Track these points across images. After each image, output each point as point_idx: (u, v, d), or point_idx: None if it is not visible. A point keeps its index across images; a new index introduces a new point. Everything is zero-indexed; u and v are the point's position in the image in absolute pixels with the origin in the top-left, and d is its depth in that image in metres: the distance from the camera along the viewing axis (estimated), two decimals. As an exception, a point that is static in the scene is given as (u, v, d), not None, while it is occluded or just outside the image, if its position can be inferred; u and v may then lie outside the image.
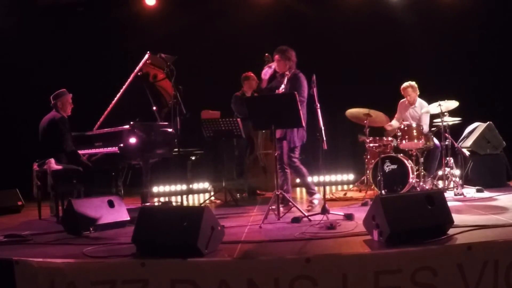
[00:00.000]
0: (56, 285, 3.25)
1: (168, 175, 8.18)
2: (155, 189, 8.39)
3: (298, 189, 8.39)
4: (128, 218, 4.76)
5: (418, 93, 6.96)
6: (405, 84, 6.96)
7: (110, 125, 6.03)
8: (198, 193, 8.44)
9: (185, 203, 6.37)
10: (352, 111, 6.58)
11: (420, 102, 6.93)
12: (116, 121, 5.96)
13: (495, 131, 6.91)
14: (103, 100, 6.37)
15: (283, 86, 5.39)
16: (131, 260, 3.32)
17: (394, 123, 7.03)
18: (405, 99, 7.08)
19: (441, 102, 6.17)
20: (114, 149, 5.82)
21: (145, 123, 6.04)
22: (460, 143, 7.13)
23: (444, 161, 6.32)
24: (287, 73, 5.44)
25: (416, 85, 6.92)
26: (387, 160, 6.32)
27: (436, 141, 6.60)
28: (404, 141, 6.23)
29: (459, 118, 6.54)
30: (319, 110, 4.86)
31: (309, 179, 5.61)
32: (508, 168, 6.94)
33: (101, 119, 6.23)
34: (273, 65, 5.43)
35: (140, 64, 6.14)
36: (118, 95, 6.13)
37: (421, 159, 6.36)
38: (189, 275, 3.15)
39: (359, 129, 6.74)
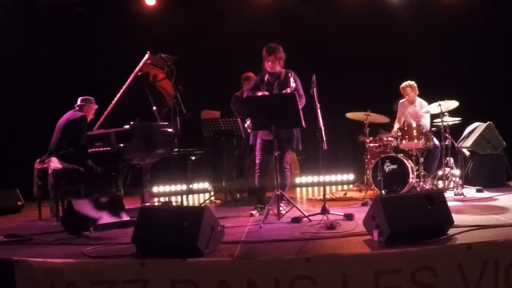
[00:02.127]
0: (56, 285, 3.25)
1: (168, 175, 8.18)
2: (155, 189, 8.39)
3: (298, 189, 8.40)
4: (128, 218, 4.76)
5: (417, 92, 6.95)
6: (404, 83, 6.96)
7: (110, 125, 6.03)
8: (198, 193, 8.44)
9: (185, 203, 6.36)
10: (351, 115, 6.60)
11: (420, 101, 6.93)
12: (116, 121, 5.96)
13: (495, 131, 6.91)
14: (103, 100, 6.37)
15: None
16: (131, 260, 3.32)
17: (397, 126, 7.04)
18: (404, 99, 7.08)
19: (441, 102, 6.18)
20: (114, 149, 5.82)
21: (145, 123, 6.04)
22: (460, 143, 7.13)
23: (444, 161, 6.32)
24: (280, 71, 5.39)
25: (415, 85, 6.92)
26: (387, 160, 6.32)
27: (436, 141, 6.60)
28: (404, 141, 6.23)
29: (459, 118, 6.54)
30: (319, 110, 4.86)
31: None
32: (508, 168, 6.94)
33: (101, 119, 6.24)
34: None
35: (140, 64, 6.14)
36: (118, 95, 6.13)
37: (421, 159, 6.36)
38: (189, 275, 3.15)
39: (359, 129, 6.75)
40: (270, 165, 5.45)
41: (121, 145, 5.74)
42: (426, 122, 6.71)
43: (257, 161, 5.48)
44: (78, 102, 5.97)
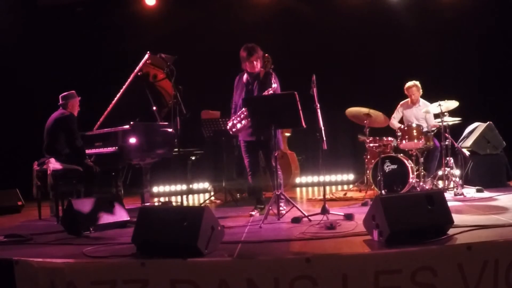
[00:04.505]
0: (56, 285, 3.25)
1: (168, 175, 8.17)
2: (155, 189, 8.39)
3: (298, 189, 8.40)
4: (128, 218, 4.76)
5: (421, 93, 6.97)
6: (410, 83, 6.96)
7: (110, 125, 6.03)
8: (198, 193, 8.44)
9: (185, 203, 6.37)
10: (352, 111, 6.59)
11: (423, 102, 6.95)
12: (116, 121, 5.96)
13: (495, 131, 6.91)
14: (103, 100, 6.37)
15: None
16: (131, 260, 3.32)
17: (396, 123, 7.04)
18: (407, 99, 7.08)
19: (441, 102, 6.17)
20: (114, 149, 5.82)
21: (145, 123, 6.05)
22: (460, 143, 7.13)
23: (444, 161, 6.32)
24: (259, 71, 5.37)
25: (420, 85, 6.94)
26: (387, 160, 6.32)
27: (436, 141, 6.60)
28: (404, 141, 6.23)
29: (459, 118, 6.54)
30: (319, 110, 4.86)
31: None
32: (508, 168, 6.94)
33: (101, 119, 6.24)
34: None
35: (140, 64, 6.14)
36: (118, 95, 6.14)
37: (421, 159, 6.35)
38: (189, 275, 3.15)
39: (359, 129, 6.75)
40: (263, 166, 5.45)
41: (121, 145, 5.75)
42: (430, 122, 6.71)
43: (246, 163, 5.48)
44: (60, 101, 5.84)
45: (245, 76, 5.44)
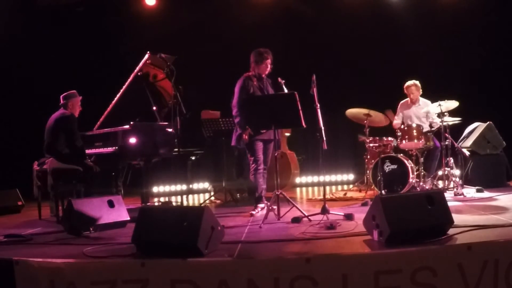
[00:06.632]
0: (56, 285, 3.25)
1: (168, 175, 8.17)
2: (155, 189, 8.38)
3: (298, 189, 8.40)
4: (128, 218, 4.75)
5: (421, 92, 6.96)
6: (409, 82, 6.95)
7: (110, 125, 6.03)
8: (198, 193, 8.44)
9: (185, 203, 6.36)
10: (352, 111, 6.59)
11: (423, 100, 6.94)
12: (116, 121, 5.96)
13: (495, 131, 6.91)
14: (103, 100, 6.37)
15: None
16: (131, 260, 3.32)
17: (397, 121, 7.03)
18: (407, 99, 7.08)
19: (441, 102, 6.17)
20: (114, 149, 5.82)
21: (145, 123, 6.05)
22: (460, 143, 7.13)
23: (444, 161, 6.32)
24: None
25: (419, 85, 6.93)
26: (387, 160, 6.32)
27: (436, 141, 6.60)
28: (404, 141, 6.23)
29: (459, 118, 6.54)
30: (319, 110, 4.86)
31: None
32: (508, 168, 6.94)
33: (101, 119, 6.24)
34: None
35: (140, 64, 6.14)
36: (118, 95, 6.13)
37: (421, 159, 6.36)
38: (189, 275, 3.15)
39: (359, 129, 6.75)
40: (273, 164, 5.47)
41: (121, 145, 5.74)
42: (436, 120, 6.70)
43: (257, 161, 5.47)
44: (61, 101, 5.83)
45: (255, 79, 5.49)
